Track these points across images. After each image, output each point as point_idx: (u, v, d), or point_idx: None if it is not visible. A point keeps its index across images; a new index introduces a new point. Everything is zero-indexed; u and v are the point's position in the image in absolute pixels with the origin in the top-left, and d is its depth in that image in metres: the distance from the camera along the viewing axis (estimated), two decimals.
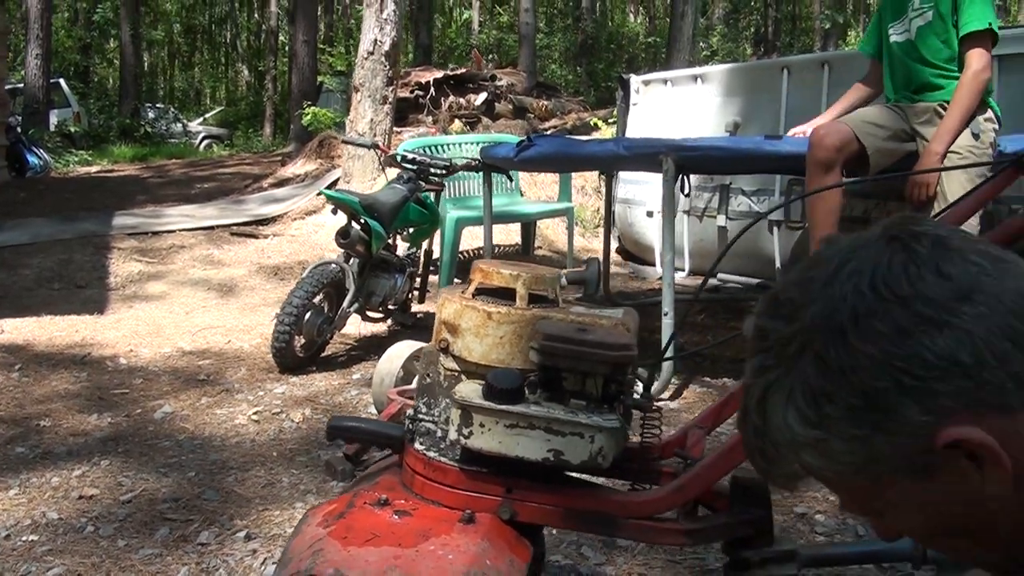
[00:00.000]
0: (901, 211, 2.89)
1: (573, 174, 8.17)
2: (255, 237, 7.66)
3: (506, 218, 7.00)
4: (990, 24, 3.45)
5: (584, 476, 1.61)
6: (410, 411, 1.63)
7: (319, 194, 6.53)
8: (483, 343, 1.55)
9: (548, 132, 10.35)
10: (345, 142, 6.62)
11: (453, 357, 1.59)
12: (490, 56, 19.49)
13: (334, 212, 4.36)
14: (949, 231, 0.76)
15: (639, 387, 1.57)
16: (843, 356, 0.71)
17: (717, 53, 20.66)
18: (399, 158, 4.75)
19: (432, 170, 4.72)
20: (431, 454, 1.57)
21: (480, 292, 1.61)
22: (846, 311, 0.72)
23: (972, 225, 3.72)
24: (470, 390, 1.49)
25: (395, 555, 1.41)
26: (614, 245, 7.59)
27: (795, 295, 0.76)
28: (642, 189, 6.74)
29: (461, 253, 6.59)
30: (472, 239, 6.87)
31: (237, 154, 18.73)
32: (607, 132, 9.57)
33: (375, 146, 4.97)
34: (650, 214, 6.81)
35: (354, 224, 4.28)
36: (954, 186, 3.34)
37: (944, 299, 0.70)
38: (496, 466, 1.51)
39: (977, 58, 3.43)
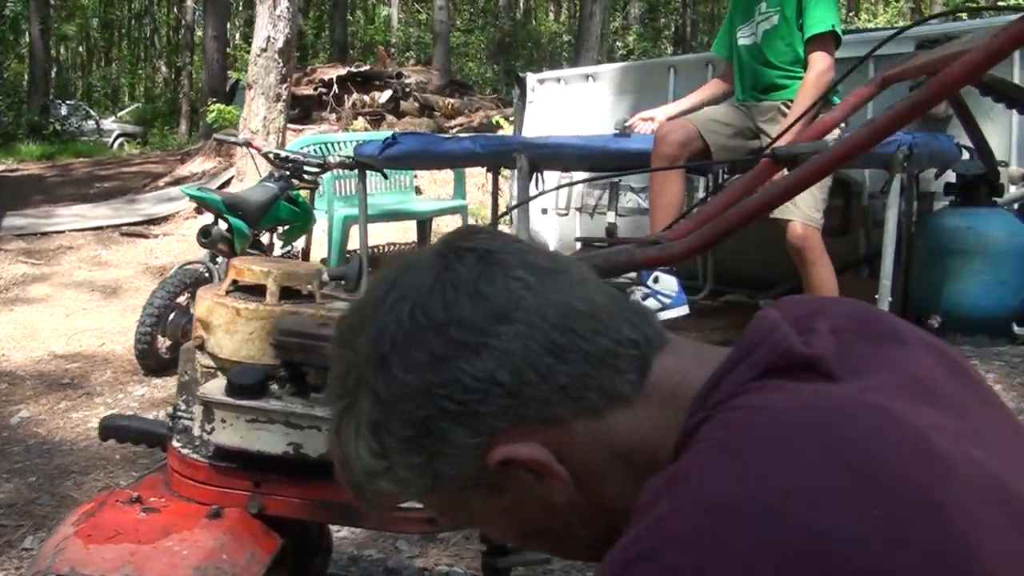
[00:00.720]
0: None
1: (471, 172, 8.21)
2: (145, 237, 7.52)
3: (399, 216, 7.02)
4: (833, 27, 3.57)
5: None
6: (170, 409, 1.64)
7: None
8: (233, 339, 1.57)
9: (454, 130, 10.37)
10: (217, 140, 6.54)
11: (208, 354, 1.61)
12: (407, 53, 19.41)
13: (198, 212, 4.32)
14: (500, 245, 0.74)
15: None
16: (391, 387, 0.70)
17: (633, 52, 20.88)
18: (272, 156, 4.72)
19: (306, 168, 4.70)
20: (185, 451, 1.58)
21: (235, 289, 1.62)
22: (387, 341, 0.70)
23: None
24: (215, 387, 1.51)
25: (132, 552, 1.42)
26: None
27: (354, 322, 0.74)
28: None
29: (350, 252, 6.57)
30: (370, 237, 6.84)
31: (147, 152, 18.33)
32: (509, 130, 9.62)
33: (247, 144, 4.92)
34: (544, 211, 6.89)
35: (220, 223, 4.24)
36: None
37: (480, 322, 0.69)
38: (246, 461, 1.53)
39: (820, 59, 3.55)
